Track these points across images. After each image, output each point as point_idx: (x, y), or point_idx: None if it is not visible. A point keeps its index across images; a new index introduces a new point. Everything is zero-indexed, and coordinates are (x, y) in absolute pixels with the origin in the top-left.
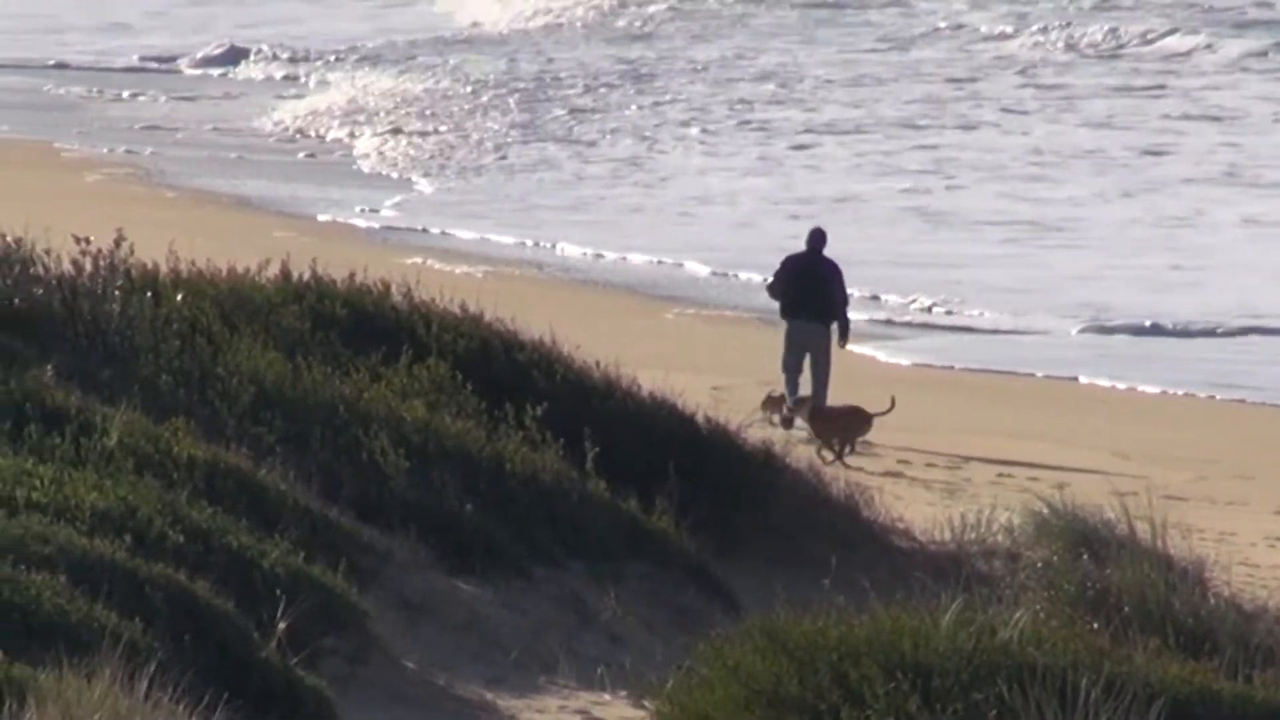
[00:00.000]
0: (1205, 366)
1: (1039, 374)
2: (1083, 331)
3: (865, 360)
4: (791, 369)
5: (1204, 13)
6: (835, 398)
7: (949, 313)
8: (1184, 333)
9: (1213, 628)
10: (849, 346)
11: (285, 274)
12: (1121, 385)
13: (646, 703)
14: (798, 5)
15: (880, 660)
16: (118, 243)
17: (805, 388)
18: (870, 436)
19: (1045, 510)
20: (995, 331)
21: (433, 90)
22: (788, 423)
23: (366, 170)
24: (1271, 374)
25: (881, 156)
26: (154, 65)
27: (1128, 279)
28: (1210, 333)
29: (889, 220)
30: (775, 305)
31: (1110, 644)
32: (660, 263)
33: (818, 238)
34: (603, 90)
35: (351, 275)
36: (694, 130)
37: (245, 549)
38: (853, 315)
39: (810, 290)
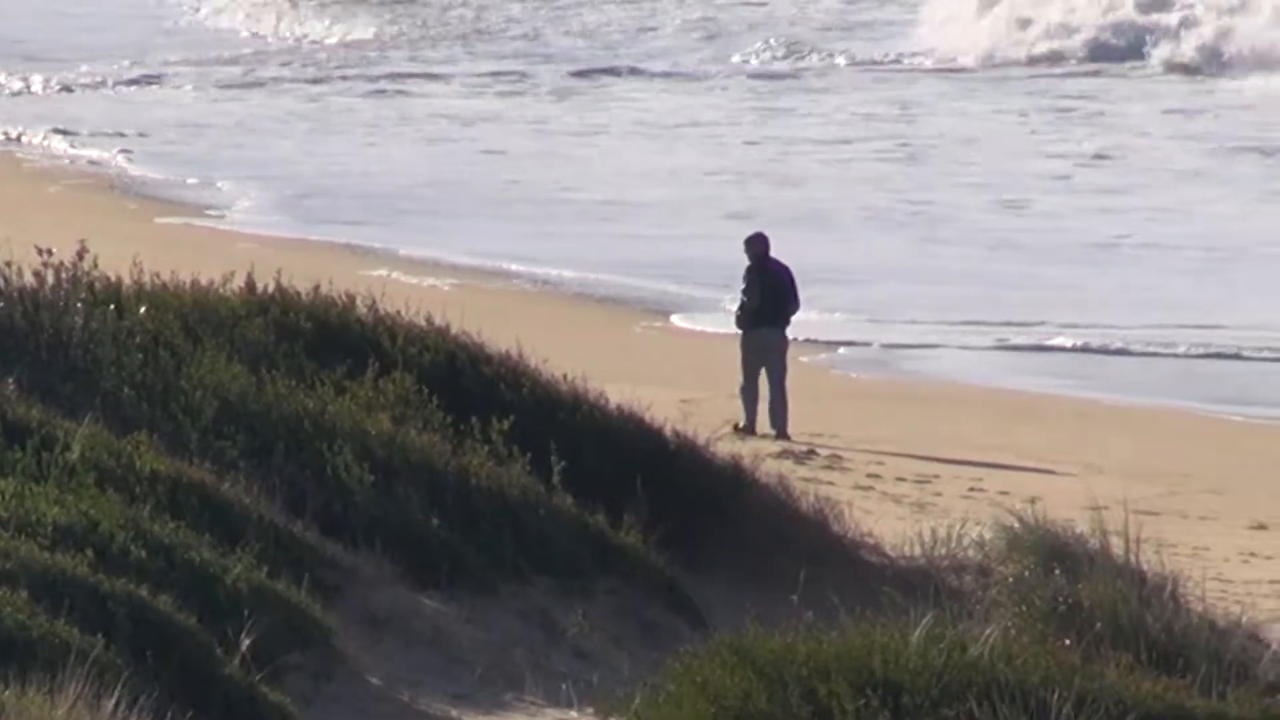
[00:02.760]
0: (1171, 381)
1: (1008, 387)
2: (1041, 348)
3: (824, 374)
4: (752, 379)
5: None
6: (795, 412)
7: (906, 323)
8: (1147, 351)
9: (1186, 644)
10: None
11: (250, 286)
12: (1093, 398)
13: (613, 719)
14: None
15: (850, 677)
16: (80, 255)
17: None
18: (840, 450)
19: (1016, 525)
20: (964, 349)
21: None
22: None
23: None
24: (1238, 386)
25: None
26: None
27: (1082, 293)
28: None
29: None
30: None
31: (1082, 660)
32: (626, 275)
33: (761, 242)
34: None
35: (316, 288)
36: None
37: (208, 564)
38: (816, 328)
39: (769, 297)
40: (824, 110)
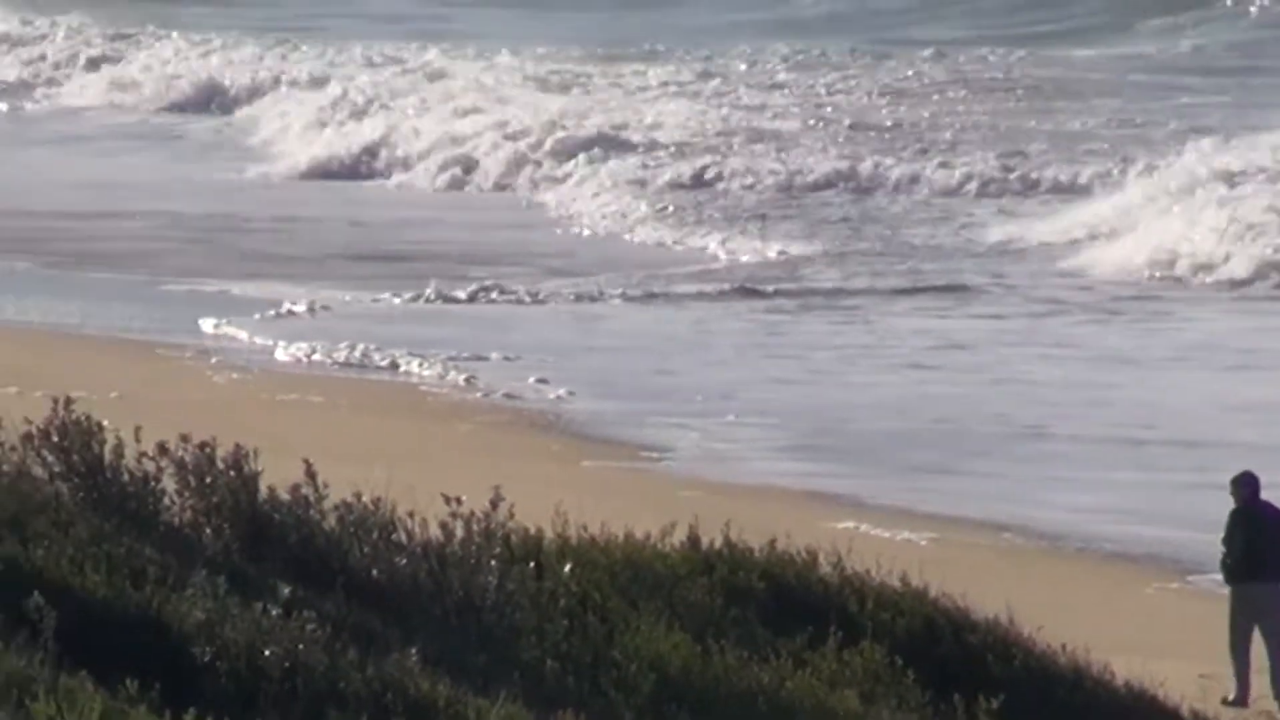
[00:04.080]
0: None
1: None
2: None
3: None
4: (1241, 642)
5: None
6: None
7: None
8: None
9: None
10: None
11: (693, 540)
12: None
13: None
14: None
15: None
16: (494, 503)
17: None
18: None
19: None
20: None
21: None
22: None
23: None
24: None
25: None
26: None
27: None
28: None
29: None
30: None
31: None
32: (1139, 526)
33: (1249, 484)
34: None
35: (771, 542)
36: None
37: None
38: None
39: (1258, 546)
40: None
